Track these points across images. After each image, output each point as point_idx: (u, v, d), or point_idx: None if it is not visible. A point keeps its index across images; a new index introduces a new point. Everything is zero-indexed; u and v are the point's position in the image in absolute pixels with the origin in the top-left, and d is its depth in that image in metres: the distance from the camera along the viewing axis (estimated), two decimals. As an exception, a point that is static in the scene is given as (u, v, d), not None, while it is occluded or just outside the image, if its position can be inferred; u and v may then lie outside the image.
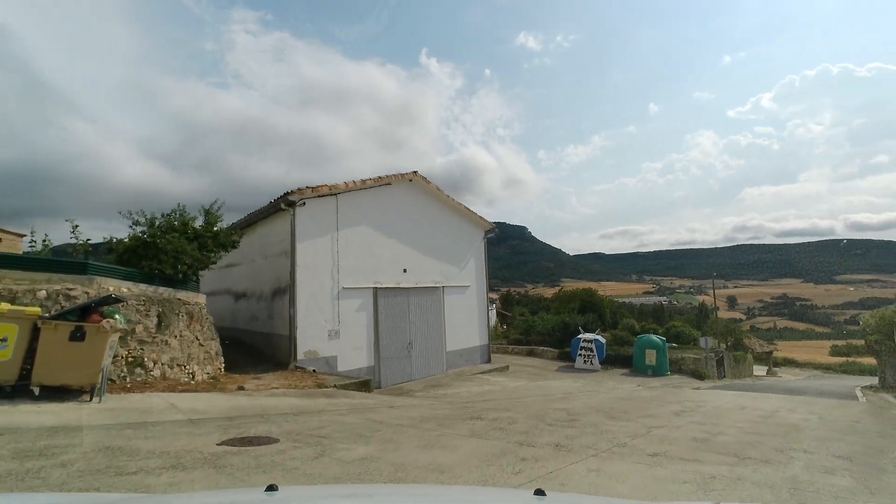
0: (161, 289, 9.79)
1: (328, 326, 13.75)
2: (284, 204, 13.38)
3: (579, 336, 20.84)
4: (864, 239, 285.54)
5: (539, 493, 1.72)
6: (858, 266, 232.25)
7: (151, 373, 8.88)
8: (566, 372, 19.39)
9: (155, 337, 9.10)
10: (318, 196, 13.86)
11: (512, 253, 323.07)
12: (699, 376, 19.70)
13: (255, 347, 15.16)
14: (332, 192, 14.13)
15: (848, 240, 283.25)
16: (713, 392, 14.18)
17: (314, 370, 12.46)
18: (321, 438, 5.60)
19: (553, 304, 56.34)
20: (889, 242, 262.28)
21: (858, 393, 16.06)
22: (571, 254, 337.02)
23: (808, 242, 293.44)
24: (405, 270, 16.14)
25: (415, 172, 16.83)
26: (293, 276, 13.19)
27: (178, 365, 9.48)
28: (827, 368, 49.49)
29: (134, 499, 2.15)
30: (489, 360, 19.62)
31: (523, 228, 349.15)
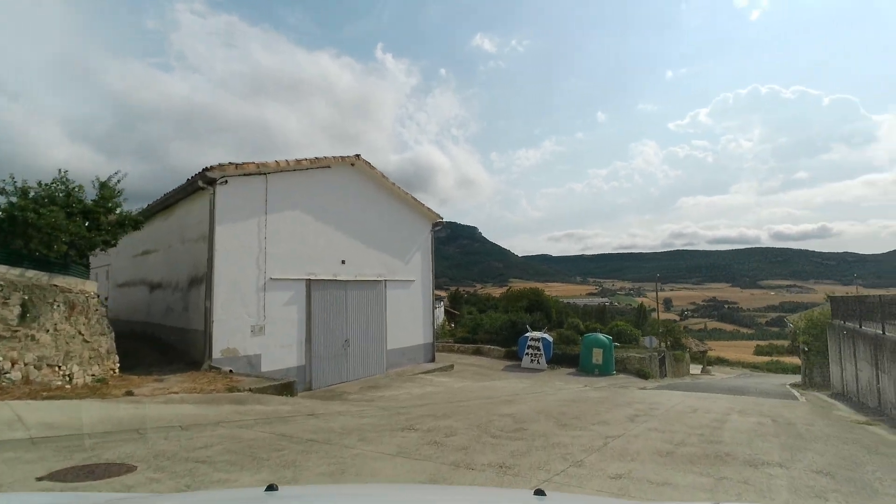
0: (30, 272, 7.97)
1: (252, 321, 12.16)
2: (203, 182, 11.67)
3: (526, 335, 20.14)
4: (785, 248, 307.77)
5: (539, 493, 1.69)
6: (779, 272, 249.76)
7: (8, 375, 7.10)
8: (513, 371, 18.60)
9: (16, 331, 7.32)
10: (244, 174, 12.23)
11: (462, 252, 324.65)
12: (643, 375, 19.49)
13: (168, 344, 13.31)
14: (261, 170, 12.53)
15: (770, 248, 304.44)
16: (660, 392, 13.73)
17: (231, 371, 10.87)
18: (197, 464, 4.25)
19: (501, 303, 56.18)
20: (805, 251, 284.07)
21: (796, 392, 16.22)
22: (520, 255, 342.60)
23: (737, 250, 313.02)
24: (343, 262, 14.73)
25: (357, 156, 15.45)
26: (211, 263, 11.52)
27: (49, 365, 7.72)
28: (755, 367, 52.00)
29: (134, 499, 2.09)
30: (433, 359, 18.51)
31: (474, 229, 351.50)
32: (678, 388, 16.44)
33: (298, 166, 13.49)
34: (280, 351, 12.72)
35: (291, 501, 1.73)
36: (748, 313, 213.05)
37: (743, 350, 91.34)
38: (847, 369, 14.25)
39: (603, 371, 18.80)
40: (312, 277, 13.65)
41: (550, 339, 20.77)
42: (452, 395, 11.67)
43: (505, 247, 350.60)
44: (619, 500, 2.63)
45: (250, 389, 8.90)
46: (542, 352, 19.37)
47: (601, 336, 19.92)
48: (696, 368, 42.07)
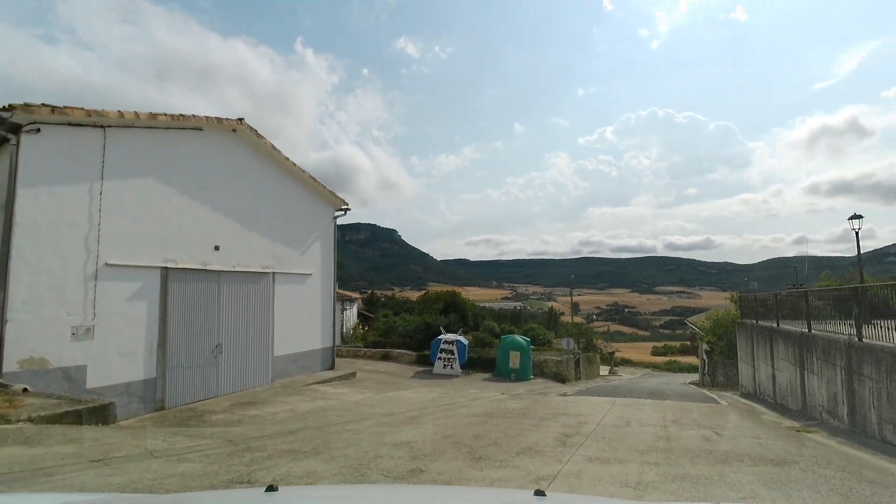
0: None
1: (74, 321, 9.01)
2: (2, 129, 8.42)
3: (440, 337, 18.24)
4: (676, 257, 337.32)
5: (539, 493, 1.70)
6: (670, 279, 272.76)
7: None
8: (423, 378, 16.57)
9: None
10: (69, 124, 9.09)
11: (381, 255, 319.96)
12: (561, 379, 18.38)
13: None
14: (96, 121, 9.43)
15: (664, 257, 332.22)
16: (583, 399, 12.37)
17: (25, 389, 7.73)
18: None
19: (417, 306, 54.42)
20: (693, 260, 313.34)
21: (711, 394, 15.78)
22: (439, 259, 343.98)
23: (636, 258, 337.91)
24: (217, 248, 11.86)
25: (240, 120, 12.64)
26: (7, 241, 8.29)
27: None
28: (655, 367, 54.59)
29: (134, 499, 2.10)
30: (333, 367, 15.99)
31: (394, 231, 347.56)
32: (598, 392, 15.35)
33: (155, 123, 10.48)
34: (118, 360, 9.64)
35: (291, 502, 1.75)
36: (645, 317, 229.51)
37: (642, 351, 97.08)
38: (761, 369, 13.88)
39: (520, 376, 17.37)
40: (171, 265, 10.68)
41: (465, 342, 19.04)
42: (344, 413, 9.36)
43: (424, 250, 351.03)
44: (619, 500, 2.65)
45: (29, 419, 6.00)
46: (457, 356, 17.56)
47: (518, 338, 18.53)
48: (604, 369, 42.86)
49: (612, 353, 42.30)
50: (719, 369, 22.72)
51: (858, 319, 7.98)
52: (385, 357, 20.27)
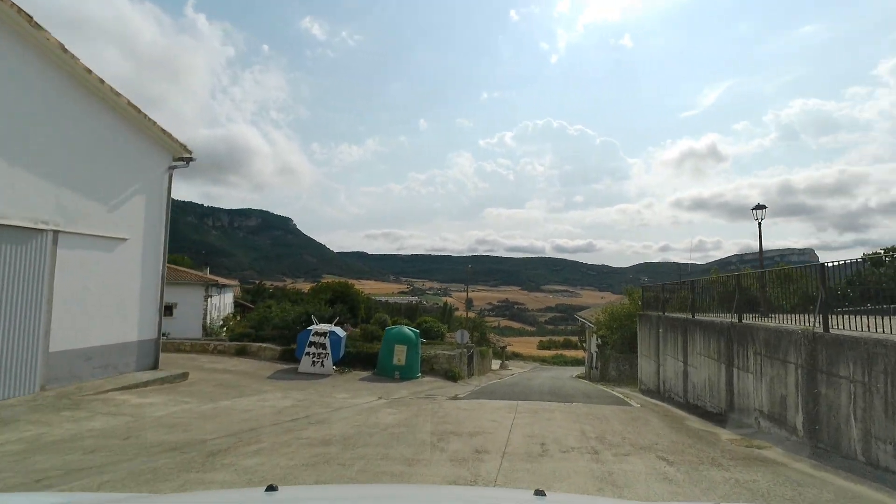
0: None
1: None
2: None
3: (309, 328, 14.73)
4: (562, 258, 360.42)
5: (539, 493, 1.68)
6: (556, 279, 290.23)
7: None
8: (282, 380, 13.01)
9: None
10: None
11: (274, 244, 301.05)
12: (453, 377, 15.92)
13: None
14: None
15: (552, 258, 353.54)
16: (479, 406, 9.82)
17: None
18: None
19: (306, 297, 49.82)
20: (577, 262, 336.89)
21: (615, 393, 14.23)
22: (336, 250, 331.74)
23: (527, 258, 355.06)
24: (-70, 180, 7.38)
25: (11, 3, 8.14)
26: None
27: None
28: (543, 361, 55.43)
29: (134, 499, 2.08)
30: (156, 365, 11.83)
31: (288, 220, 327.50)
32: (494, 393, 13.01)
33: None
34: None
35: (291, 502, 1.71)
36: (532, 313, 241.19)
37: (529, 345, 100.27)
38: (668, 365, 12.49)
39: (406, 374, 14.52)
40: None
41: (342, 333, 15.75)
42: (118, 441, 5.72)
43: (321, 241, 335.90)
44: (619, 500, 2.61)
45: None
46: (329, 351, 14.22)
47: (406, 330, 15.66)
48: (495, 364, 41.92)
49: (503, 348, 41.44)
50: (611, 363, 21.95)
51: (825, 307, 6.24)
52: (241, 352, 16.25)
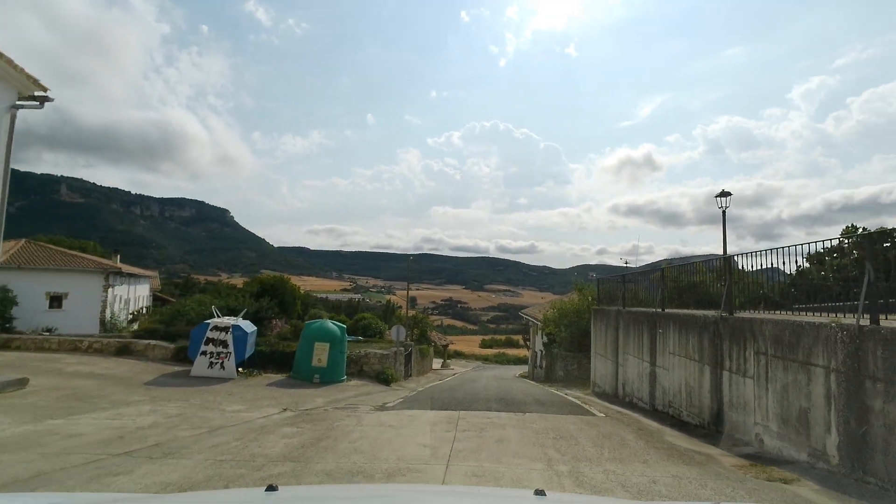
0: None
1: None
2: None
3: (208, 322, 11.93)
4: (504, 259, 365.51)
5: (539, 493, 1.65)
6: (498, 279, 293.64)
7: None
8: (164, 385, 10.19)
9: None
10: None
11: (209, 237, 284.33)
12: (385, 380, 13.64)
13: None
14: None
15: (495, 258, 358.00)
16: (409, 419, 7.61)
17: None
18: None
19: (237, 292, 45.69)
20: (519, 263, 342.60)
21: (572, 398, 12.46)
22: (276, 245, 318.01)
23: (471, 257, 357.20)
24: None
25: None
26: None
27: None
28: (485, 360, 54.14)
29: (134, 499, 2.06)
30: (-24, 369, 8.71)
31: (225, 211, 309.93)
32: (432, 399, 10.85)
33: None
34: None
35: (292, 501, 1.70)
36: (474, 312, 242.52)
37: (471, 344, 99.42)
38: (629, 365, 10.89)
39: (327, 377, 12.06)
40: None
41: (251, 328, 13.01)
42: None
43: (260, 235, 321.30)
44: (619, 500, 2.51)
45: None
46: (232, 349, 11.50)
47: (330, 324, 13.16)
48: (437, 363, 39.96)
49: (445, 346, 39.54)
50: (558, 363, 20.47)
51: (873, 292, 4.57)
52: (123, 351, 13.10)
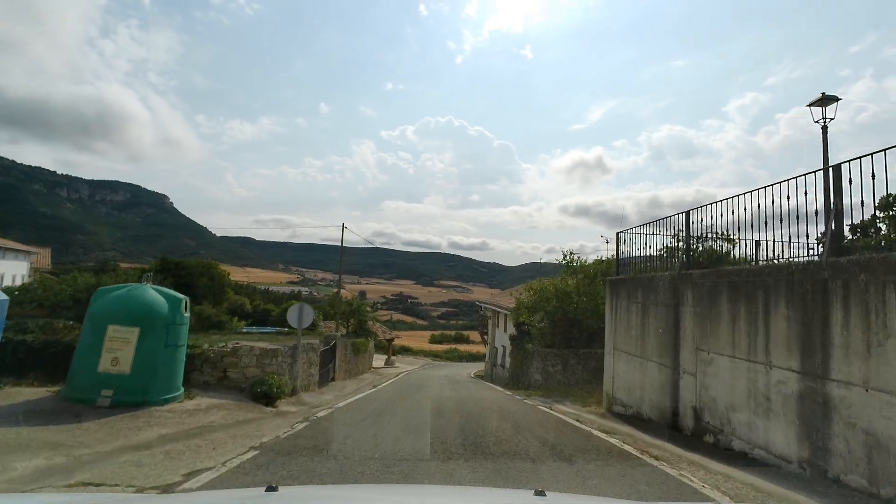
0: None
1: None
2: None
3: None
4: (456, 255, 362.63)
5: (539, 493, 1.62)
6: (450, 274, 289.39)
7: None
8: None
9: None
10: None
11: (145, 223, 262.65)
12: (264, 395, 7.61)
13: None
14: None
15: (447, 254, 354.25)
16: None
17: None
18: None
19: (133, 271, 38.08)
20: (470, 259, 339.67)
21: (598, 431, 6.98)
22: (219, 234, 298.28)
23: (423, 252, 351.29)
24: None
25: None
26: None
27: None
28: (435, 356, 48.57)
29: (134, 499, 2.00)
30: None
31: (164, 197, 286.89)
32: (335, 443, 5.03)
33: None
34: None
35: (291, 501, 1.67)
36: (425, 307, 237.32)
37: (421, 339, 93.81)
38: (724, 375, 5.56)
39: (130, 394, 5.95)
40: None
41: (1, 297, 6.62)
42: None
43: (202, 223, 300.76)
44: (619, 500, 2.51)
45: None
46: None
47: (148, 292, 6.89)
48: (380, 360, 33.90)
49: (391, 340, 33.56)
50: (534, 362, 15.14)
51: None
52: None
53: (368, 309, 27.24)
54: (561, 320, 13.90)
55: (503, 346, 22.67)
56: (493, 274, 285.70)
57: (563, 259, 15.48)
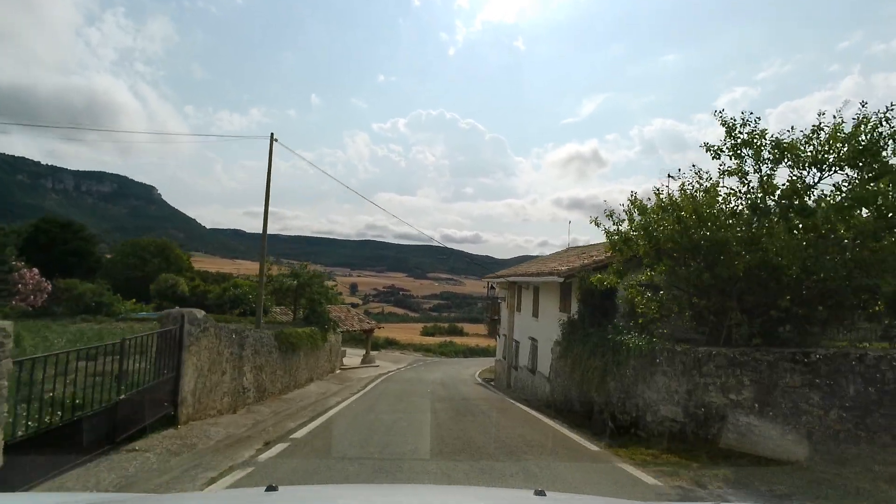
0: None
1: None
2: None
3: None
4: (448, 247, 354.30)
5: (539, 493, 1.61)
6: (442, 267, 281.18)
7: None
8: None
9: None
10: None
11: (132, 215, 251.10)
12: None
13: None
14: None
15: (439, 247, 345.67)
16: None
17: None
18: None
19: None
20: (463, 252, 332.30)
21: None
22: (209, 227, 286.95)
23: (415, 245, 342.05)
24: None
25: None
26: None
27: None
28: (427, 350, 40.16)
29: (134, 499, 1.97)
30: None
31: (152, 188, 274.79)
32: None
33: None
34: None
35: (292, 501, 1.64)
36: (417, 300, 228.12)
37: (412, 331, 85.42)
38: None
39: None
40: None
41: None
42: None
43: (191, 215, 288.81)
44: (619, 500, 2.43)
45: None
46: None
47: None
48: (357, 355, 25.32)
49: (369, 332, 24.83)
50: (657, 375, 6.59)
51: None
52: None
53: (329, 285, 18.46)
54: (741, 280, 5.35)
55: (532, 340, 14.11)
56: (485, 267, 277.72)
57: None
